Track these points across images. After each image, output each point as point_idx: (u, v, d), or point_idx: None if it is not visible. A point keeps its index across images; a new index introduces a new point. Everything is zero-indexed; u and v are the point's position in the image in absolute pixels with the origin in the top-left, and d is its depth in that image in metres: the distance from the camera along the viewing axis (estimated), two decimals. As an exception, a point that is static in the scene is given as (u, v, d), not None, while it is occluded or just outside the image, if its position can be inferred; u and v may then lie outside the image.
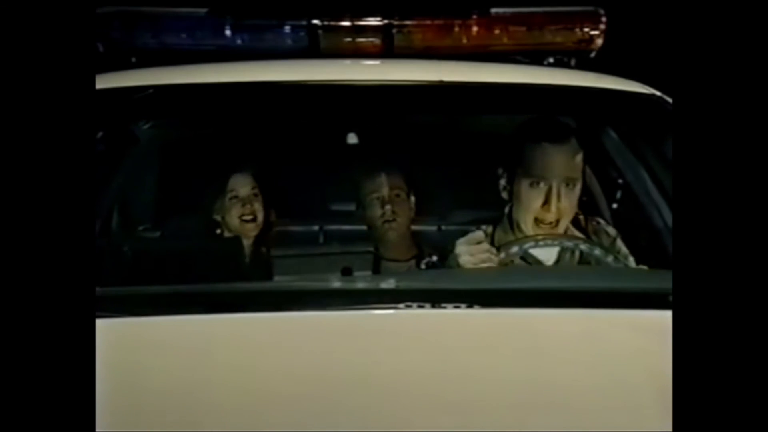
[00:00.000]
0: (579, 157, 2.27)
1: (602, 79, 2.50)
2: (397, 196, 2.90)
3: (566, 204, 2.24)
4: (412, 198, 2.95)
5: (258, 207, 2.84)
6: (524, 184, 2.25)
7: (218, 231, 2.86)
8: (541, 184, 2.23)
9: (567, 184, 2.23)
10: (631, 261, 2.30)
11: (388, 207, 2.87)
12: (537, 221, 2.25)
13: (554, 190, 2.22)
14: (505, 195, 2.35)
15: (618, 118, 2.65)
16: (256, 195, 2.85)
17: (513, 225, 2.31)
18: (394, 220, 2.88)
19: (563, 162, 2.24)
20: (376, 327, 1.67)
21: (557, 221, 2.24)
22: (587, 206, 2.75)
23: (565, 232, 2.30)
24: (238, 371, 1.50)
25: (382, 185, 2.90)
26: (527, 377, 1.51)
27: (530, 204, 2.24)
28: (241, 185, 2.84)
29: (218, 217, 2.86)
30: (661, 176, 2.53)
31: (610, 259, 2.16)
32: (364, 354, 1.56)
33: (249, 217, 2.83)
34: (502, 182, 2.35)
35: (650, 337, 1.61)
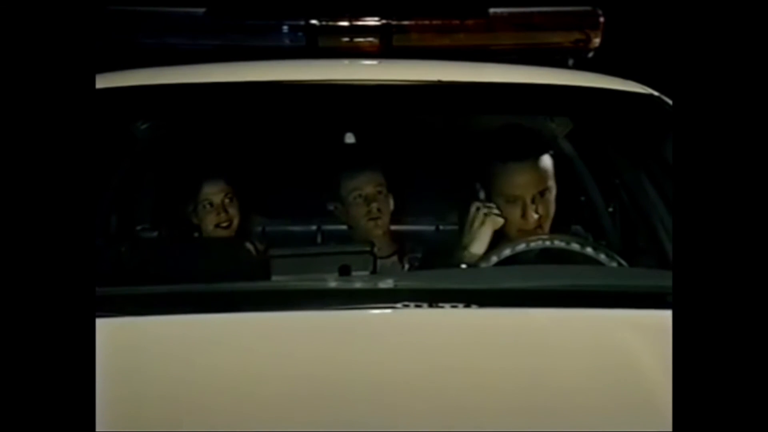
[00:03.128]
0: (547, 166, 2.42)
1: (600, 79, 2.51)
2: (380, 192, 2.89)
3: (543, 211, 2.39)
4: (390, 195, 2.96)
5: (234, 212, 2.86)
6: (501, 201, 2.39)
7: (195, 234, 2.89)
8: (517, 201, 2.38)
9: (541, 194, 2.39)
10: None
11: (374, 204, 2.88)
12: (520, 230, 2.38)
13: (528, 204, 2.37)
14: None
15: (616, 118, 2.66)
16: (230, 200, 2.86)
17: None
18: (379, 217, 2.89)
19: (532, 178, 2.39)
20: (373, 326, 1.68)
21: (539, 226, 2.38)
22: (585, 207, 2.79)
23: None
24: (236, 371, 1.50)
25: (366, 183, 2.90)
26: (525, 376, 1.51)
27: (510, 218, 2.39)
28: (214, 192, 2.85)
29: (195, 220, 2.88)
30: (659, 177, 2.54)
31: (602, 256, 2.18)
32: (361, 353, 1.56)
33: (225, 224, 2.85)
34: (481, 196, 2.47)
35: (649, 337, 1.62)
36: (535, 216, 2.37)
